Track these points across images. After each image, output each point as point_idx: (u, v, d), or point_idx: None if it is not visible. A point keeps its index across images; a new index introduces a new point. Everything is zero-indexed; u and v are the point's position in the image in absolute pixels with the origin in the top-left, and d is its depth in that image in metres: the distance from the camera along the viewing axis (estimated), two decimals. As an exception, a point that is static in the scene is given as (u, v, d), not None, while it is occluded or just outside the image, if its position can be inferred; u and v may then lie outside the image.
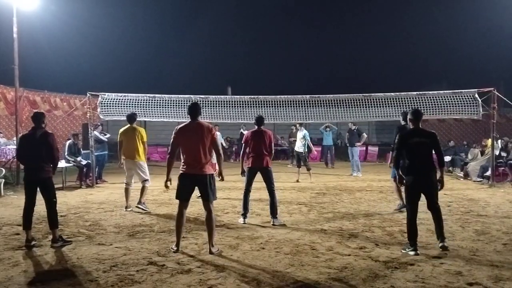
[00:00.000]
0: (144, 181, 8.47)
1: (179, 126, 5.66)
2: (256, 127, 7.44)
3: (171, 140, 5.64)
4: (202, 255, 5.37)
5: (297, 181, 12.64)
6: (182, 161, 5.61)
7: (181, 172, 5.59)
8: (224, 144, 16.29)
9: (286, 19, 41.45)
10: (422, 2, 36.05)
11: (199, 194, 5.74)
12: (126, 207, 8.41)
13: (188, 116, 5.72)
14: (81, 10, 30.93)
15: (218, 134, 15.70)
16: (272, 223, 7.07)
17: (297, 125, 13.53)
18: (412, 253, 5.42)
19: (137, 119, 9.35)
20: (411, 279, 4.53)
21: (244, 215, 7.25)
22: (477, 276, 4.61)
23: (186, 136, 5.56)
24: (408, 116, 5.93)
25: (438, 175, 5.70)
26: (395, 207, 8.34)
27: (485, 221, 7.38)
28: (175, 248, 5.54)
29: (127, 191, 8.51)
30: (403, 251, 5.53)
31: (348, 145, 15.35)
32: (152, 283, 4.45)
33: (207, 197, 5.55)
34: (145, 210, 8.25)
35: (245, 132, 13.22)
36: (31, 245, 5.78)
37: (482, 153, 13.89)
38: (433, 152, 5.75)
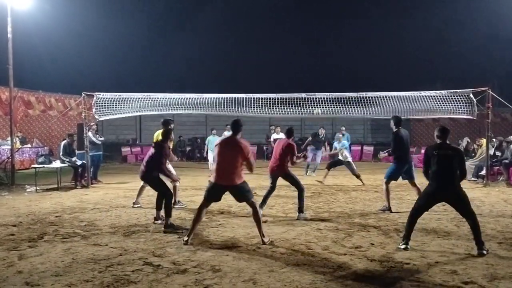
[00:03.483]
0: (172, 181, 8.14)
1: (220, 140, 6.18)
2: (285, 136, 8.12)
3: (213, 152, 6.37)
4: (198, 255, 5.36)
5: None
6: (214, 170, 6.00)
7: (212, 181, 5.96)
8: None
9: (280, 17, 41.47)
10: (415, 2, 36.14)
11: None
12: (133, 203, 8.71)
13: (230, 130, 6.19)
14: (76, 10, 30.80)
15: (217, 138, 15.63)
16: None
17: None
18: (402, 247, 5.55)
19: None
20: (406, 278, 4.55)
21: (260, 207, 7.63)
22: (472, 275, 4.64)
23: (223, 149, 5.96)
24: (436, 133, 5.92)
25: None
26: (379, 207, 8.39)
27: (480, 220, 7.34)
28: (186, 239, 5.84)
29: (176, 188, 8.58)
30: (398, 246, 5.64)
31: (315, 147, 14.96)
32: (148, 283, 4.44)
33: (247, 200, 6.00)
34: (181, 207, 8.58)
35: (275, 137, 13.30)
36: (157, 223, 7.09)
37: (474, 151, 14.00)
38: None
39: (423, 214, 5.88)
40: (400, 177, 8.26)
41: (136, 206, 8.57)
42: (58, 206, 8.82)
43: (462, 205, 5.66)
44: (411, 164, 8.31)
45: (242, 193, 5.96)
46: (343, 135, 14.66)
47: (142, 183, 8.36)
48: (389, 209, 8.12)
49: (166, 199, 6.93)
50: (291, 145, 7.71)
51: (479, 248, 5.43)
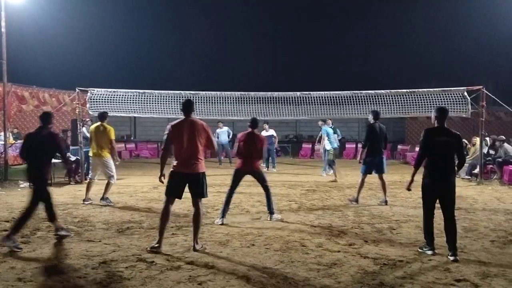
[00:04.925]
0: (110, 177, 8.61)
1: (173, 123, 5.50)
2: (250, 129, 7.21)
3: (165, 136, 5.52)
4: (191, 252, 5.35)
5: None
6: (174, 158, 5.49)
7: (172, 170, 5.45)
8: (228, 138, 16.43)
9: (278, 16, 41.45)
10: (411, 3, 36.21)
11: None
12: (84, 200, 8.64)
13: (182, 112, 5.57)
14: (71, 4, 30.61)
15: (225, 129, 15.95)
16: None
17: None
18: (429, 252, 5.33)
19: (110, 115, 9.88)
20: (399, 276, 4.57)
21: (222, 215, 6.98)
22: (465, 273, 4.66)
23: (180, 133, 5.40)
24: (434, 114, 5.56)
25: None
26: (349, 198, 8.98)
27: (473, 218, 7.45)
28: (157, 245, 5.35)
29: (89, 184, 8.78)
30: (419, 250, 5.45)
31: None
32: (141, 279, 4.43)
33: (199, 195, 5.47)
34: (109, 204, 8.47)
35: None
36: (57, 234, 5.96)
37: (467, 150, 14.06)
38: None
39: (414, 211, 5.85)
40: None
41: (87, 202, 8.59)
42: (51, 202, 8.77)
43: (451, 202, 5.38)
44: (382, 158, 8.70)
45: (200, 186, 5.39)
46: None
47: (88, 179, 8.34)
48: (356, 200, 8.64)
49: (48, 204, 6.10)
50: (255, 135, 7.14)
51: (453, 254, 5.12)
